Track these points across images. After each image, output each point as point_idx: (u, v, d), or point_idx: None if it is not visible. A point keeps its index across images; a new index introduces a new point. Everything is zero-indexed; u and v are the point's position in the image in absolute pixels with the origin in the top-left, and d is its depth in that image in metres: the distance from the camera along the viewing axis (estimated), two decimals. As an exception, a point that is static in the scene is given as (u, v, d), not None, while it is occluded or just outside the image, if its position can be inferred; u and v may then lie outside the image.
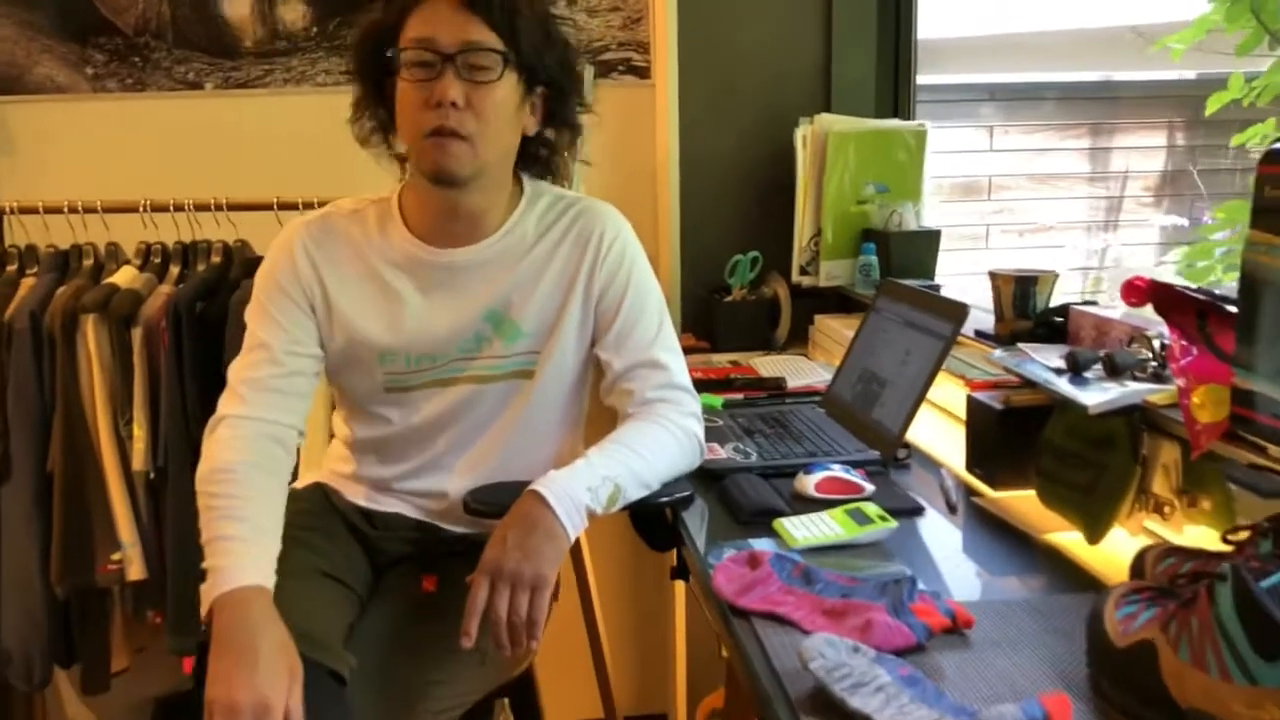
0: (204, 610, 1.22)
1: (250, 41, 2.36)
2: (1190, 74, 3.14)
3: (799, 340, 2.31)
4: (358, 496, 1.56)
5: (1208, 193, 3.18)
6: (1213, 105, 2.45)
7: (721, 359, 2.17)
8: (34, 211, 2.12)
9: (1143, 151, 3.43)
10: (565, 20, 1.53)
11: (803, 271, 2.29)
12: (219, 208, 2.12)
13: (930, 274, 2.16)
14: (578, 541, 2.08)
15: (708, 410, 1.62)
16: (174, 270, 2.13)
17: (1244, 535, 0.89)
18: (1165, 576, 0.97)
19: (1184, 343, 1.10)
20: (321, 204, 1.58)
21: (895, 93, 2.47)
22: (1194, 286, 1.11)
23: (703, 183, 2.39)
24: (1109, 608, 0.91)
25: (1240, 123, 2.63)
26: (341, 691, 1.24)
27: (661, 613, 2.64)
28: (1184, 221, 3.17)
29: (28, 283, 2.09)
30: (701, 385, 1.66)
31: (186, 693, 2.43)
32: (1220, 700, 0.76)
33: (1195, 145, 3.39)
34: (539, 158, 1.52)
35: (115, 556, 2.04)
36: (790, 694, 0.92)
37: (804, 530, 1.24)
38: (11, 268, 2.10)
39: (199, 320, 2.02)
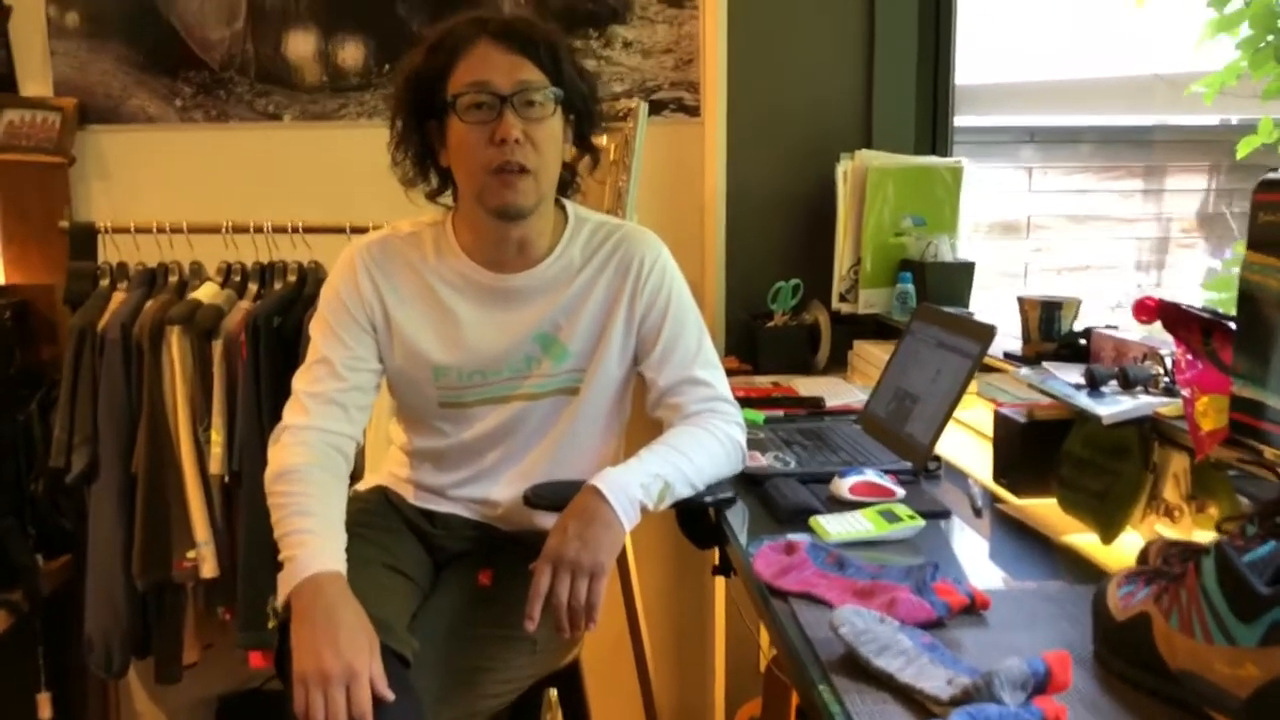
0: (281, 597, 1.32)
1: (311, 78, 2.52)
2: (1224, 118, 3.22)
3: (838, 365, 2.41)
4: (417, 499, 1.66)
5: (1241, 234, 3.24)
6: (1243, 149, 2.53)
7: (764, 380, 2.28)
8: (125, 231, 2.28)
9: (1179, 194, 3.50)
10: (584, 53, 1.64)
11: (842, 299, 2.39)
12: (295, 230, 2.27)
13: (965, 303, 2.25)
14: (623, 556, 2.18)
15: (750, 425, 1.71)
16: (253, 288, 2.28)
17: (1237, 524, 0.99)
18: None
19: (1189, 357, 1.20)
20: (389, 227, 1.68)
21: (934, 131, 2.57)
22: (1199, 306, 1.21)
23: (747, 214, 2.51)
24: (1111, 588, 1.01)
25: (1273, 168, 2.70)
26: (406, 672, 1.33)
27: (700, 630, 2.73)
28: (1217, 264, 3.24)
29: (119, 296, 2.25)
30: (744, 402, 1.74)
31: (249, 691, 2.58)
32: (1205, 661, 0.86)
33: (1231, 189, 3.46)
34: (564, 180, 1.61)
35: (190, 554, 2.18)
36: (821, 658, 1.02)
37: (838, 526, 1.34)
38: (104, 282, 2.27)
39: (275, 334, 2.16)
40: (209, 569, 2.18)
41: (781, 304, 2.41)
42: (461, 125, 1.46)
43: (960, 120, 2.63)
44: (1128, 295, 3.39)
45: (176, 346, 2.16)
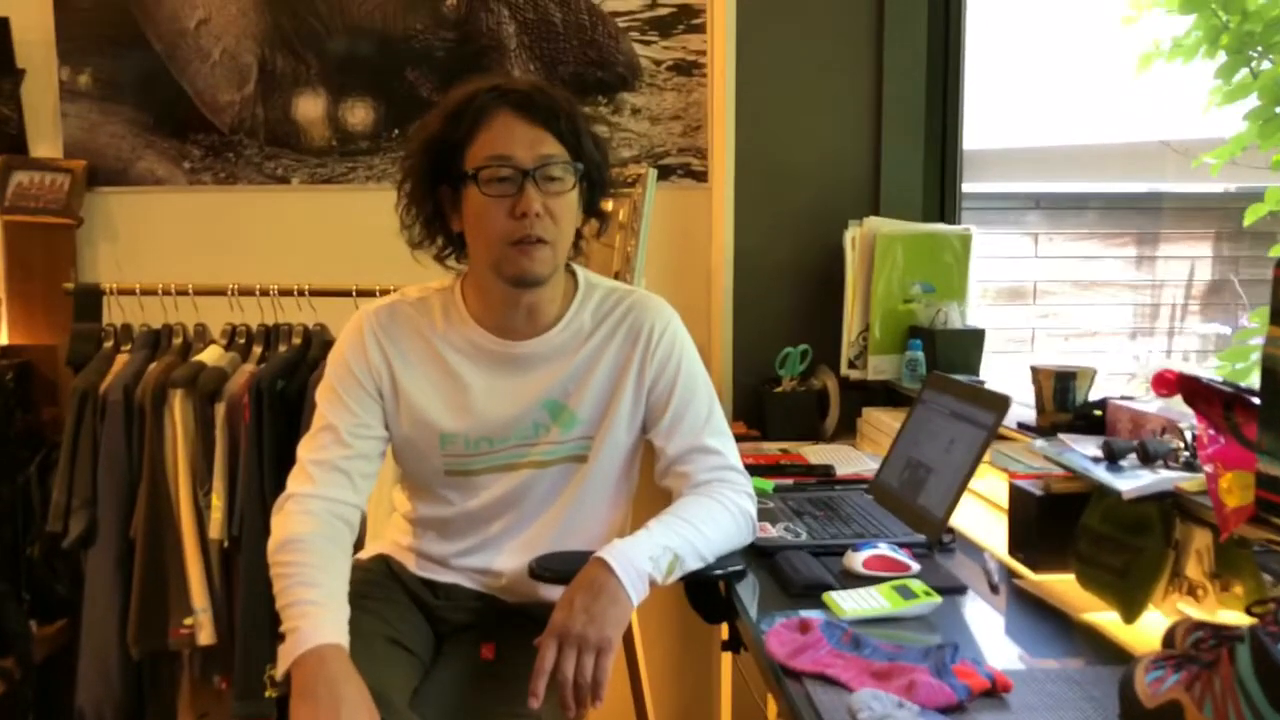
0: (281, 670, 1.28)
1: (320, 141, 2.53)
2: (1232, 186, 3.22)
3: (847, 431, 2.39)
4: (419, 568, 1.62)
5: (1250, 302, 3.23)
6: (1250, 217, 2.53)
7: (772, 447, 2.25)
8: (131, 293, 2.26)
9: (1186, 260, 3.50)
10: (596, 120, 1.63)
11: (851, 365, 2.37)
12: (300, 293, 2.26)
13: (975, 371, 2.23)
14: (628, 628, 2.13)
15: (759, 493, 1.68)
16: (257, 350, 2.26)
17: (1268, 608, 0.96)
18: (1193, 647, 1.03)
19: (1211, 431, 1.17)
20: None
21: (942, 198, 2.57)
22: (1220, 379, 1.19)
23: (755, 279, 2.50)
24: (1139, 673, 0.98)
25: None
26: (406, 750, 1.30)
27: (706, 703, 2.67)
28: (1227, 330, 3.22)
29: (122, 358, 2.23)
30: (753, 470, 1.72)
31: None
32: (1241, 754, 0.82)
33: (1239, 255, 3.46)
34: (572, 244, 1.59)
35: (188, 621, 2.13)
36: (839, 744, 0.98)
37: (852, 603, 1.31)
38: (108, 344, 2.25)
39: (279, 398, 2.13)
40: (206, 636, 2.14)
41: (790, 370, 2.40)
42: (481, 197, 1.45)
43: (967, 186, 2.64)
44: (1137, 360, 3.38)
45: (179, 410, 2.13)
